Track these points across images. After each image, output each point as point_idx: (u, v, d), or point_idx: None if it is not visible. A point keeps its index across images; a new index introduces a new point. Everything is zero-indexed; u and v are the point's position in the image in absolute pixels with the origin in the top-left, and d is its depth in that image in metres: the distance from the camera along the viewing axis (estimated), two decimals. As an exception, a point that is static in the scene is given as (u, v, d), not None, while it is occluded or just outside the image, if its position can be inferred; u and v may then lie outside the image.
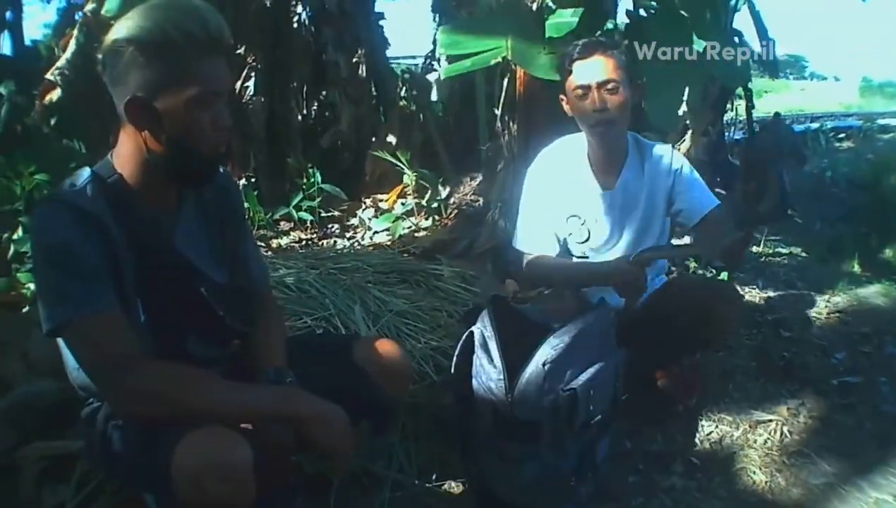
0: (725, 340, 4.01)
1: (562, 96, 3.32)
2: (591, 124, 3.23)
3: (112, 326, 2.02)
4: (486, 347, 2.86)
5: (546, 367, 2.73)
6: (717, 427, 3.66)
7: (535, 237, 3.38)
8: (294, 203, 5.87)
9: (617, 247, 3.46)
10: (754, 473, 3.36)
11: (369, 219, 5.84)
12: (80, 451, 2.58)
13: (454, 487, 3.17)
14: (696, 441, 3.58)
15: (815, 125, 13.74)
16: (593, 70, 3.16)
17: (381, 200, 6.15)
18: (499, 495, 2.93)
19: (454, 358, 3.00)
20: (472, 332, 2.95)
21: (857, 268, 6.47)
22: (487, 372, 2.83)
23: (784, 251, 6.52)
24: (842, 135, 14.02)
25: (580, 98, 3.19)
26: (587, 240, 3.44)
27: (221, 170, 2.39)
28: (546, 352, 2.75)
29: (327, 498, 2.95)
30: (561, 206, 3.39)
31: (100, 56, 2.08)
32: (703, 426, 3.67)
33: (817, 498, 3.22)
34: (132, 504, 2.49)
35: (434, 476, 3.18)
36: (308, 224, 5.89)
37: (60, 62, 5.02)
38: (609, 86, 3.14)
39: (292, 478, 2.61)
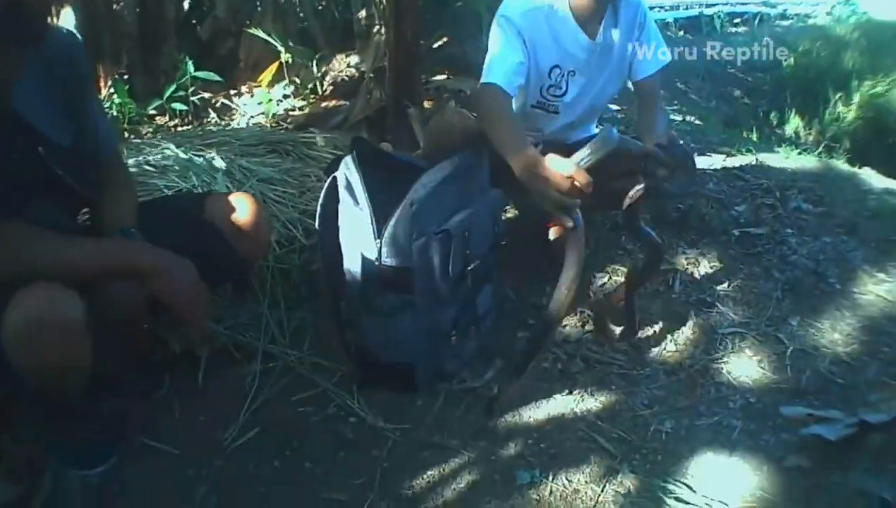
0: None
1: None
2: None
3: None
4: (350, 190, 2.63)
5: (413, 208, 2.52)
6: (610, 278, 3.49)
7: (500, 70, 2.92)
8: (168, 94, 5.56)
9: (587, 98, 3.25)
10: (655, 323, 3.21)
11: (244, 105, 5.57)
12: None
13: (329, 354, 2.97)
14: (590, 293, 3.40)
15: (709, 11, 13.54)
16: None
17: (256, 86, 5.89)
18: (376, 354, 2.74)
19: (318, 209, 2.76)
20: (335, 178, 2.70)
21: (755, 138, 6.32)
22: (354, 217, 2.62)
23: (677, 118, 6.29)
24: (738, 20, 13.91)
25: None
26: (564, 93, 3.17)
27: (65, 31, 2.28)
28: (415, 192, 2.54)
29: (196, 375, 2.80)
30: (544, 57, 3.07)
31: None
32: (595, 277, 3.49)
33: (727, 347, 3.09)
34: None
35: (307, 345, 3.00)
36: (183, 114, 5.59)
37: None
38: None
39: (151, 353, 2.65)
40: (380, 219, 2.56)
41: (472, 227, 2.68)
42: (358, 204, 2.59)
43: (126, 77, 6.21)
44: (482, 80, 2.91)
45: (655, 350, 3.09)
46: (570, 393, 2.85)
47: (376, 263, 2.58)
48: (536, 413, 2.77)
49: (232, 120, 5.51)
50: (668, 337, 3.14)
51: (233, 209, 2.42)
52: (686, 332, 3.15)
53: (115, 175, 2.40)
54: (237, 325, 2.99)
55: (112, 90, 5.52)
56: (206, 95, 5.75)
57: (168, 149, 3.83)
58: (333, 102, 5.28)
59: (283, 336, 3.00)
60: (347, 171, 2.63)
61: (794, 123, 8.06)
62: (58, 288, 1.87)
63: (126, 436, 2.51)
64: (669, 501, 2.37)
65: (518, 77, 2.92)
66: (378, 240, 2.55)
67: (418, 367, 2.76)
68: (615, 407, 2.80)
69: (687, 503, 2.37)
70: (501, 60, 2.91)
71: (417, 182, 2.56)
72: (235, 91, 6.00)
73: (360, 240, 2.61)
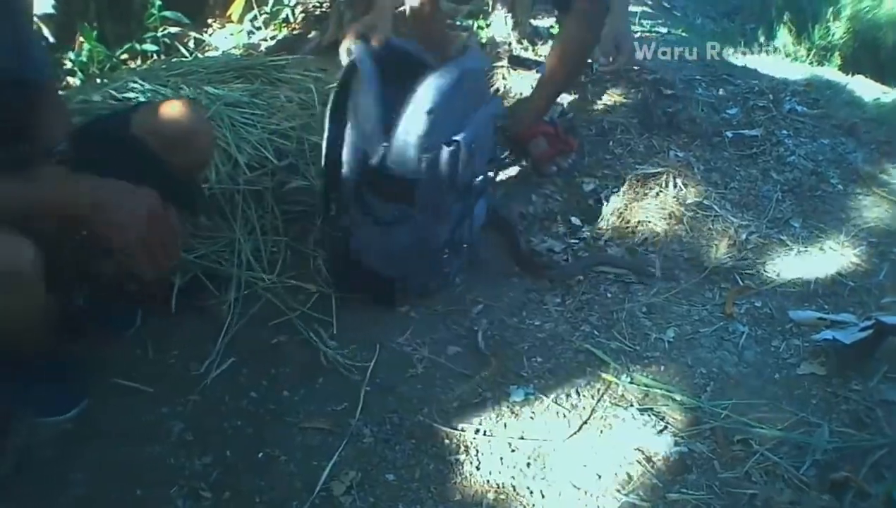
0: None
1: None
2: None
3: None
4: (361, 80, 2.41)
5: (431, 117, 2.32)
6: (599, 183, 3.34)
7: None
8: (137, 37, 5.43)
9: None
10: (650, 226, 3.09)
11: (214, 40, 5.44)
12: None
13: (307, 278, 2.83)
14: (577, 200, 3.26)
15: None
16: None
17: (228, 21, 5.75)
18: (364, 263, 2.61)
19: (333, 95, 2.51)
20: (353, 63, 2.45)
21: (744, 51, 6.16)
22: (364, 112, 2.41)
23: (662, 31, 6.08)
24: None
25: None
26: None
27: None
28: (430, 98, 2.33)
29: (169, 308, 2.65)
30: None
31: None
32: (583, 183, 3.35)
33: (727, 245, 3.01)
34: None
35: (281, 269, 2.84)
36: (156, 56, 5.45)
37: None
38: None
39: (119, 288, 2.43)
40: (387, 116, 2.37)
41: (479, 138, 2.50)
42: (367, 96, 2.39)
43: (96, 24, 6.10)
44: None
45: (652, 255, 2.96)
46: (564, 302, 2.73)
47: (380, 169, 2.41)
48: (528, 325, 2.64)
49: (203, 55, 5.38)
50: (664, 241, 3.02)
51: (164, 121, 2.22)
52: (683, 236, 3.04)
53: (47, 98, 2.25)
54: (210, 254, 2.85)
55: (81, 38, 5.39)
56: (176, 32, 5.61)
57: (133, 81, 3.66)
58: (303, 25, 5.21)
59: (257, 261, 2.86)
60: (360, 62, 2.41)
61: (782, 40, 7.93)
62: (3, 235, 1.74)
63: (97, 377, 2.40)
64: (675, 413, 2.27)
65: None
66: (385, 144, 2.38)
67: (407, 281, 2.66)
68: (612, 317, 2.68)
69: (694, 411, 2.26)
70: None
71: (427, 85, 2.35)
72: (206, 28, 5.86)
73: (364, 136, 2.43)
